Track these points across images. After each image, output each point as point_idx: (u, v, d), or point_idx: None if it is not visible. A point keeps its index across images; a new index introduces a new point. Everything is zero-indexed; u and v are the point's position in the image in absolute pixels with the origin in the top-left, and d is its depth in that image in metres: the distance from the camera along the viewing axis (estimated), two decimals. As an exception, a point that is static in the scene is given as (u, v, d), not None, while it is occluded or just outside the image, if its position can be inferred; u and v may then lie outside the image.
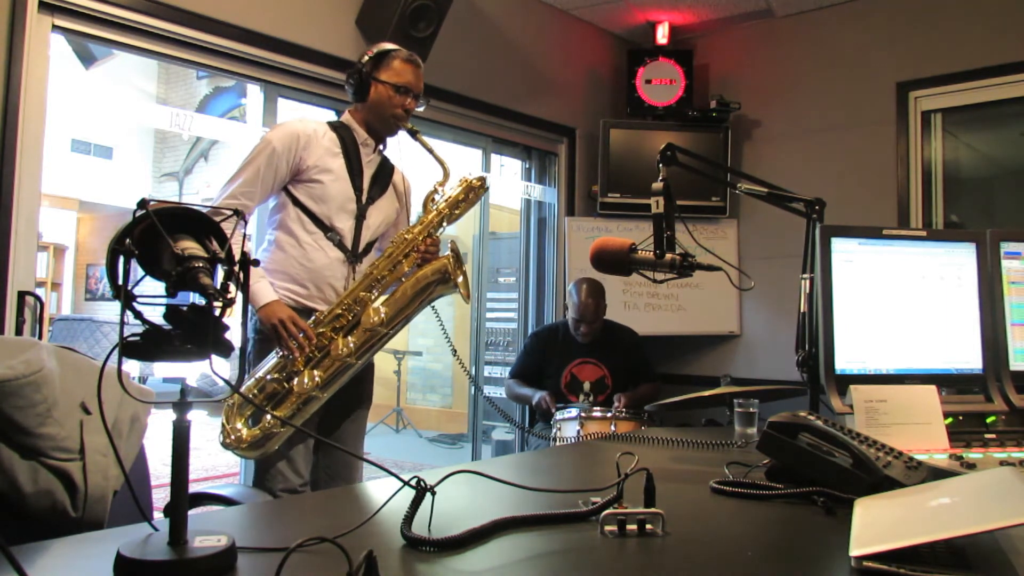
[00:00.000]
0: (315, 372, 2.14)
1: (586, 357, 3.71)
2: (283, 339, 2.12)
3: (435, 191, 2.31)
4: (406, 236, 2.25)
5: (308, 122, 2.31)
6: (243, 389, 2.15)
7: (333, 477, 2.39)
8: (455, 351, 2.37)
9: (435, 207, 2.29)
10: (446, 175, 2.33)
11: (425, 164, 2.39)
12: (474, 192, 2.32)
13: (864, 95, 4.16)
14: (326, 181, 2.26)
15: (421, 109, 2.39)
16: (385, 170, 2.44)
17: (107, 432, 1.06)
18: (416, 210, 2.43)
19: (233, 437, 2.11)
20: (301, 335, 2.12)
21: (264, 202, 2.29)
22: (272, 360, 2.17)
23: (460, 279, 2.23)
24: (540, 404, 3.53)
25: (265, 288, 2.18)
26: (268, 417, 2.10)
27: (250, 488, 2.16)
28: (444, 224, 2.30)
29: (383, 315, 2.18)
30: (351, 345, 2.17)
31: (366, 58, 2.34)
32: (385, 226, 2.43)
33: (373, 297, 2.20)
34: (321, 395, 2.15)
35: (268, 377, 2.14)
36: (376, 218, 2.38)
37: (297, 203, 2.26)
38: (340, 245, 2.29)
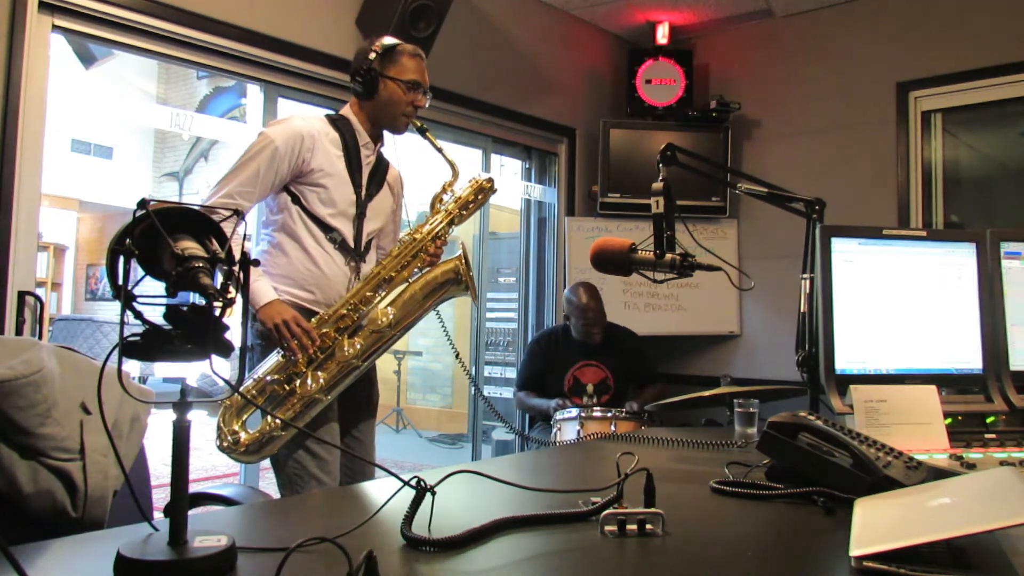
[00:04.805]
0: (319, 374, 2.07)
1: (588, 360, 3.71)
2: (286, 339, 2.04)
3: (444, 191, 2.26)
4: (415, 236, 2.19)
5: (311, 120, 2.22)
6: (240, 391, 2.11)
7: (353, 478, 2.30)
8: (458, 354, 2.35)
9: (443, 207, 2.24)
10: (455, 175, 2.27)
11: (417, 160, 2.36)
12: (483, 193, 2.27)
13: (864, 95, 4.16)
14: (330, 186, 2.20)
15: (427, 105, 2.36)
16: (381, 167, 2.39)
17: (107, 432, 1.06)
18: (416, 207, 2.41)
19: (230, 440, 2.02)
20: (305, 336, 2.05)
21: (261, 201, 2.21)
22: (272, 360, 2.09)
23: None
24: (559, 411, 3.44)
25: (265, 287, 2.11)
26: (269, 419, 2.02)
27: (250, 488, 2.15)
28: (452, 225, 2.24)
29: (391, 317, 2.12)
30: (357, 346, 2.10)
31: (373, 54, 2.25)
32: (382, 221, 2.38)
33: (380, 297, 2.15)
34: (325, 398, 2.08)
35: (268, 378, 2.06)
36: (374, 214, 2.33)
37: (299, 204, 2.19)
38: (343, 245, 2.24)
